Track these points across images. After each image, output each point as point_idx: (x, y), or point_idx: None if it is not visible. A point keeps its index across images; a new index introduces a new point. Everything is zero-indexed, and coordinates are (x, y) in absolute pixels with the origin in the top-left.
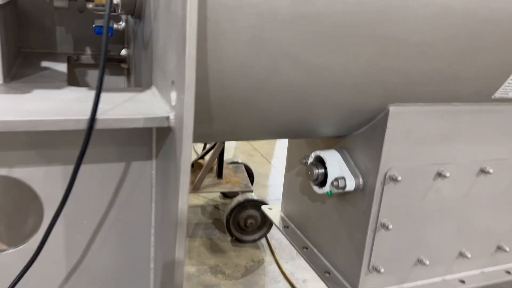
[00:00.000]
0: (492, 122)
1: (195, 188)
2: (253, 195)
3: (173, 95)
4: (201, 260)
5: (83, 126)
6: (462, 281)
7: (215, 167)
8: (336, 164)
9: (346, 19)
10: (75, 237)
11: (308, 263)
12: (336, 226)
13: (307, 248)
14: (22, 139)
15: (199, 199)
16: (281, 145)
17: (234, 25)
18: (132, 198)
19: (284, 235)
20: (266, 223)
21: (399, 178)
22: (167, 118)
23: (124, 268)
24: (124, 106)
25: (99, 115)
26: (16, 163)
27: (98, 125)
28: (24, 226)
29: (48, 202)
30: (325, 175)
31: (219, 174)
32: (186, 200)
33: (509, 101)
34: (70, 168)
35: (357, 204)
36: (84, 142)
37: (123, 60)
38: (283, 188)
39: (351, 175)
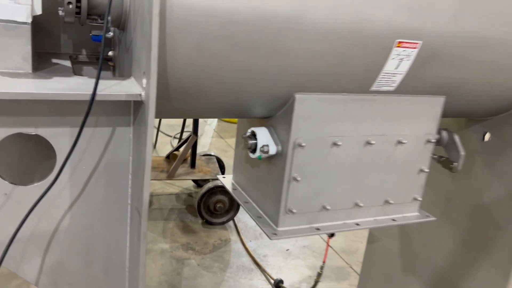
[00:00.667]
0: (372, 107)
1: (170, 175)
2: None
3: (144, 81)
4: (174, 239)
5: (88, 98)
6: (357, 224)
7: (189, 158)
8: (264, 137)
9: (260, 34)
10: (77, 178)
11: (246, 212)
12: (265, 182)
13: (247, 202)
14: (45, 107)
15: (174, 188)
16: None
17: (184, 38)
18: (116, 152)
19: (232, 195)
20: (233, 207)
21: (304, 144)
22: (140, 95)
23: (110, 201)
24: (113, 88)
25: (98, 92)
26: (40, 125)
27: (97, 98)
28: (36, 172)
29: (60, 153)
30: (256, 144)
31: (192, 164)
32: (151, 150)
33: (382, 93)
34: (76, 130)
35: (277, 164)
36: (88, 110)
37: (110, 59)
38: (234, 160)
39: (274, 144)
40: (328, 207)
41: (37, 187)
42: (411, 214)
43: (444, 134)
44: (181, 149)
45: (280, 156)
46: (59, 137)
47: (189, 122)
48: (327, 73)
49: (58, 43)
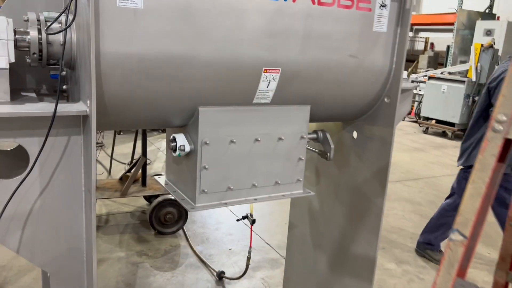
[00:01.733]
0: (256, 115)
1: (123, 193)
2: (171, 196)
3: (88, 102)
4: (129, 248)
5: (51, 114)
6: (255, 199)
7: (140, 178)
8: (181, 139)
9: (165, 68)
10: (44, 172)
11: (173, 196)
12: (185, 173)
13: (175, 191)
14: (21, 123)
15: (129, 207)
16: None
17: (113, 72)
18: (72, 153)
19: (164, 188)
20: (182, 217)
21: (208, 142)
22: (86, 111)
23: (69, 188)
24: (67, 108)
25: (58, 110)
26: (18, 136)
27: (57, 114)
28: (15, 170)
29: (32, 155)
30: (176, 146)
31: (143, 183)
32: (95, 148)
33: (261, 104)
34: (43, 139)
35: (192, 158)
36: (50, 123)
37: (64, 91)
38: (165, 162)
39: (188, 144)
40: (232, 187)
41: (16, 180)
42: (296, 191)
43: (320, 133)
44: (133, 170)
45: (193, 152)
46: (31, 144)
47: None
48: (219, 92)
49: (24, 81)
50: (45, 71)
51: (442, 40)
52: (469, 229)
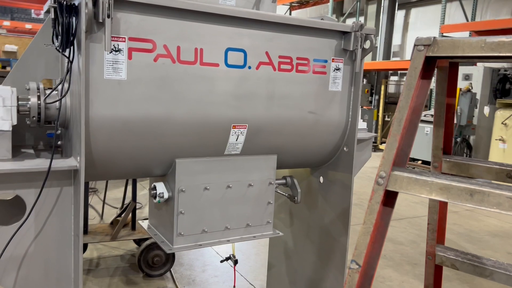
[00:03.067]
0: (227, 164)
1: (113, 237)
2: None
3: (78, 158)
4: None
5: (46, 169)
6: (228, 240)
7: (130, 222)
8: (161, 187)
9: (146, 127)
10: (39, 219)
11: (155, 240)
12: (165, 217)
13: (156, 234)
14: (20, 177)
15: (120, 251)
16: None
17: (100, 132)
18: (64, 202)
19: (146, 231)
20: (169, 260)
21: (184, 190)
22: (76, 166)
23: (60, 233)
24: (60, 163)
25: (52, 166)
26: (17, 188)
27: (52, 169)
28: (13, 216)
29: (29, 204)
30: (156, 193)
31: (133, 227)
32: (83, 197)
33: (232, 155)
34: (39, 190)
35: (170, 204)
36: (45, 177)
37: (59, 146)
38: (148, 209)
39: (167, 191)
40: (207, 230)
41: (14, 226)
42: (266, 233)
43: (288, 179)
44: (123, 215)
45: (171, 199)
46: (28, 195)
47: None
48: (194, 146)
49: (24, 138)
50: (42, 129)
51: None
52: (362, 259)
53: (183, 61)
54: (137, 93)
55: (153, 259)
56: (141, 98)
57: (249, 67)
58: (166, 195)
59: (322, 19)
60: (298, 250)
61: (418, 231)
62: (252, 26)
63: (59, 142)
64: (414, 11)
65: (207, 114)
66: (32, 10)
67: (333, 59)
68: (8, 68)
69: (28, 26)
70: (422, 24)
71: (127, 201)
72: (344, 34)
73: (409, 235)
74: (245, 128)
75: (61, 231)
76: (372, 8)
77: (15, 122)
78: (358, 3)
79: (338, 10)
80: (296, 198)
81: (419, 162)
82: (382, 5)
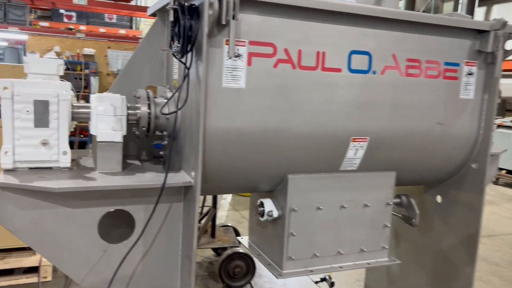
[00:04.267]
0: (342, 182)
1: None
2: (239, 249)
3: (193, 173)
4: None
5: (160, 185)
6: (341, 267)
7: (209, 229)
8: (269, 205)
9: (261, 140)
10: (147, 237)
11: (259, 261)
12: (271, 237)
13: (260, 255)
14: (130, 193)
15: (197, 258)
16: None
17: (215, 146)
18: (172, 219)
19: (248, 250)
20: (250, 271)
21: (296, 209)
22: (190, 182)
23: (168, 252)
24: (172, 179)
25: (167, 181)
26: (126, 204)
27: (166, 185)
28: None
29: (138, 221)
30: (264, 211)
31: (212, 234)
32: (197, 216)
33: (348, 171)
34: (147, 206)
35: (279, 223)
36: (159, 194)
37: (161, 157)
38: (248, 224)
39: (276, 209)
40: (318, 254)
41: (123, 245)
42: (382, 259)
43: (404, 198)
44: (202, 221)
45: (281, 218)
46: (137, 211)
47: (208, 197)
48: (307, 160)
49: (128, 149)
50: (144, 139)
51: (509, 86)
52: None
53: (304, 67)
54: (254, 103)
55: (234, 270)
56: (258, 108)
57: (374, 72)
58: (275, 214)
59: (451, 15)
60: (405, 276)
61: None
62: (378, 25)
63: (161, 152)
64: (496, 8)
65: (324, 126)
66: (106, 15)
67: (466, 62)
68: (86, 71)
69: (102, 30)
70: None
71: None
72: (480, 33)
73: (506, 255)
74: (366, 141)
75: (168, 251)
76: (448, 6)
77: (125, 133)
78: (433, 0)
79: (410, 8)
80: (413, 220)
81: (504, 172)
82: (460, 1)
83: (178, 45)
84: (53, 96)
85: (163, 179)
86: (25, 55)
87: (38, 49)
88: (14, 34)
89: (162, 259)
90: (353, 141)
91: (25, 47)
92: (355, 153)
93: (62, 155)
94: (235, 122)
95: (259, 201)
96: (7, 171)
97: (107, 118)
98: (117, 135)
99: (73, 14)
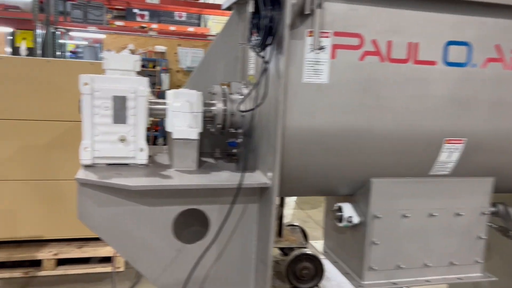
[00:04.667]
0: (432, 187)
1: None
2: (307, 250)
3: (269, 174)
4: None
5: (235, 185)
6: (428, 281)
7: (276, 228)
8: (348, 210)
9: (342, 141)
10: (221, 239)
11: (336, 268)
12: (350, 245)
13: (336, 262)
14: (205, 192)
15: None
16: None
17: (293, 145)
18: (247, 221)
19: (324, 255)
20: (318, 274)
21: (380, 216)
22: (266, 183)
23: (241, 255)
24: (248, 179)
25: (243, 182)
26: (202, 203)
27: (243, 186)
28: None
29: (213, 221)
30: (342, 216)
31: (279, 234)
32: (274, 219)
33: (439, 176)
34: (222, 206)
35: (360, 230)
36: (236, 193)
37: (234, 155)
38: (324, 229)
39: (356, 215)
40: (402, 266)
41: (197, 245)
42: (475, 275)
43: (501, 207)
44: None
45: (361, 225)
46: (212, 211)
47: None
48: (393, 164)
49: (202, 146)
50: (217, 136)
51: None
52: None
53: (394, 59)
54: (338, 100)
55: (301, 271)
56: (342, 105)
57: (473, 65)
58: (356, 220)
59: None
60: None
61: None
62: (481, 12)
63: (234, 150)
64: None
65: (415, 125)
66: (175, 13)
67: None
68: (157, 68)
69: (172, 28)
70: None
71: None
72: None
73: None
74: (462, 143)
75: (241, 253)
76: None
77: (201, 130)
78: None
79: None
80: (511, 232)
81: None
82: None
83: (258, 38)
84: (131, 92)
85: (238, 179)
86: (101, 53)
87: (114, 47)
88: (93, 33)
89: (236, 261)
90: (447, 143)
91: (102, 45)
92: (449, 156)
93: (139, 151)
94: (315, 121)
95: (337, 205)
96: (86, 167)
97: (183, 115)
98: (193, 133)
99: (146, 13)
